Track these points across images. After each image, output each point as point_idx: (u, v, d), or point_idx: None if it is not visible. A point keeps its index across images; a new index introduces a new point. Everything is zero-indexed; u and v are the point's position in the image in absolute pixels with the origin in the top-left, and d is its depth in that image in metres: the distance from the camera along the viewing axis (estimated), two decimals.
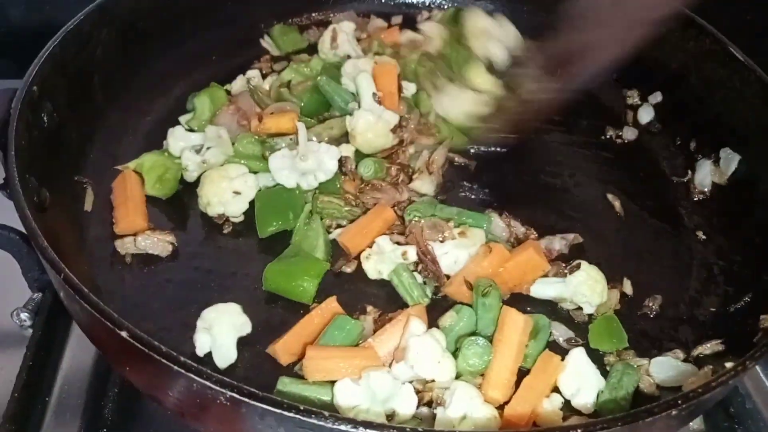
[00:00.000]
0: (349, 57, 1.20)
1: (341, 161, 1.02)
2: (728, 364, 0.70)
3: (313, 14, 1.35)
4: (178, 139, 1.03)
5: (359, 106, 1.07)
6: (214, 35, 1.24)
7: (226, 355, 0.82)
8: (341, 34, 1.22)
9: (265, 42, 1.28)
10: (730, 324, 0.87)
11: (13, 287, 1.01)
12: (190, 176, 1.02)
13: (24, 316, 0.99)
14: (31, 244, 0.98)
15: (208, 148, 1.02)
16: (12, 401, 0.86)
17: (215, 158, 1.02)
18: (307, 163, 0.98)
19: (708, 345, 0.84)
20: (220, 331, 0.82)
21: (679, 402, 0.59)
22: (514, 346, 0.79)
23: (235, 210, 0.97)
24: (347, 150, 1.05)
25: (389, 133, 1.07)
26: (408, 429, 0.53)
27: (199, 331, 0.82)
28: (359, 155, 1.06)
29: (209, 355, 0.82)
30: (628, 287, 0.94)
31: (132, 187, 0.98)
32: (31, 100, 0.87)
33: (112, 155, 1.04)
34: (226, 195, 0.96)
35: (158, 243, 0.93)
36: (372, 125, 1.04)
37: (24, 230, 0.91)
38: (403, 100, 1.13)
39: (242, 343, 0.84)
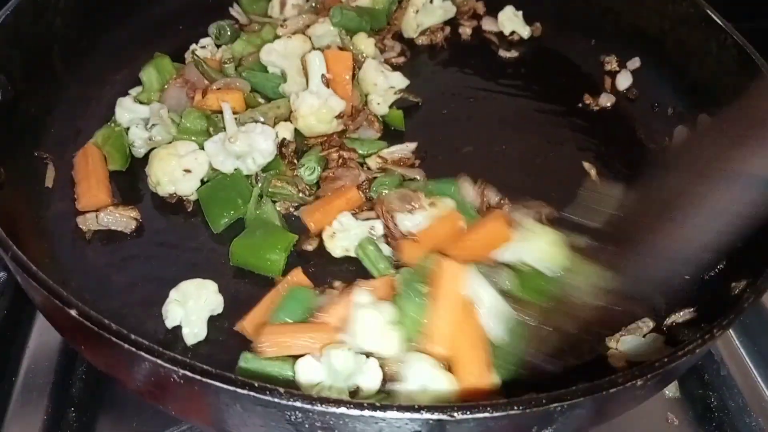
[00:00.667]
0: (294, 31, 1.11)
1: (282, 143, 0.97)
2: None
3: None
4: (124, 110, 1.00)
5: (307, 86, 1.00)
6: (176, 2, 1.21)
7: (196, 333, 0.80)
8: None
9: (234, 10, 1.24)
10: (704, 292, 0.86)
11: None
12: (138, 152, 0.99)
13: None
14: None
15: (153, 125, 0.98)
16: None
17: (161, 136, 0.97)
18: (237, 146, 0.92)
19: (680, 313, 0.83)
20: (195, 307, 0.80)
21: (645, 372, 0.58)
22: (450, 295, 0.75)
23: (187, 189, 0.93)
24: (285, 130, 0.99)
25: (333, 120, 1.00)
26: (365, 404, 0.52)
27: (171, 303, 0.80)
28: (300, 136, 1.01)
29: (177, 329, 0.81)
30: None
31: (94, 162, 0.95)
32: None
33: (75, 129, 1.01)
34: (176, 173, 0.92)
35: (121, 219, 0.90)
36: (315, 110, 0.98)
37: None
38: (356, 89, 1.06)
39: (210, 318, 0.82)
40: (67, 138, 1.00)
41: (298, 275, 0.84)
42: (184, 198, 0.94)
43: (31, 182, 0.92)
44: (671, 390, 0.98)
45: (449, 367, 0.73)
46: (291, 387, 0.56)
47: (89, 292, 0.83)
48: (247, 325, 0.79)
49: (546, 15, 1.29)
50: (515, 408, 0.54)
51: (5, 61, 0.89)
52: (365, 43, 1.14)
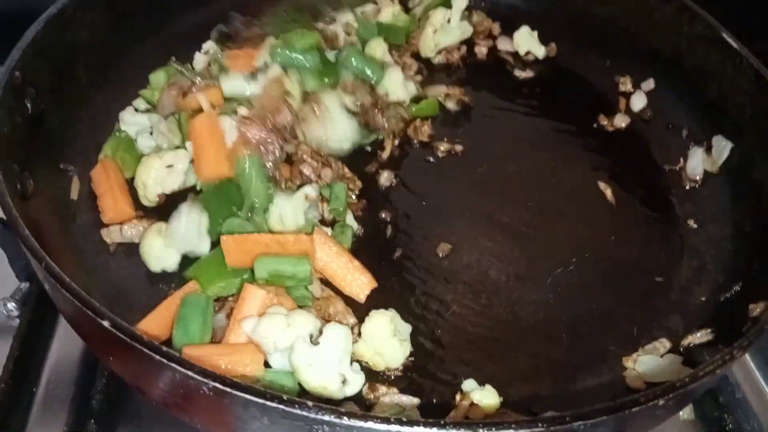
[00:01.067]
0: None
1: None
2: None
3: None
4: (128, 123, 1.02)
5: None
6: (201, 15, 1.23)
7: None
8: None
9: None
10: (721, 313, 0.87)
11: (0, 277, 1.01)
12: None
13: (11, 306, 0.99)
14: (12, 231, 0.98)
15: (151, 133, 1.01)
16: None
17: (166, 143, 0.99)
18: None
19: (698, 334, 0.83)
20: None
21: (666, 392, 0.58)
22: None
23: (172, 184, 0.95)
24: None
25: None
26: (392, 419, 0.53)
27: None
28: None
29: None
30: None
31: (114, 175, 0.96)
32: (14, 86, 0.86)
33: (97, 141, 1.02)
34: (161, 172, 0.94)
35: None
36: None
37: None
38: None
39: None
40: (90, 150, 1.01)
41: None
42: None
43: (58, 194, 0.93)
44: (685, 412, 0.98)
45: None
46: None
47: (112, 303, 0.84)
48: (142, 326, 0.79)
49: (561, 35, 1.31)
50: (539, 425, 0.55)
51: (34, 74, 0.91)
52: (379, 48, 1.15)
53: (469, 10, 1.30)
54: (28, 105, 0.89)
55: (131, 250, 0.92)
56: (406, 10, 1.29)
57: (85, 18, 1.02)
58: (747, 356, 1.03)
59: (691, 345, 0.84)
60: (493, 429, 0.54)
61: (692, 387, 0.60)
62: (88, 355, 0.94)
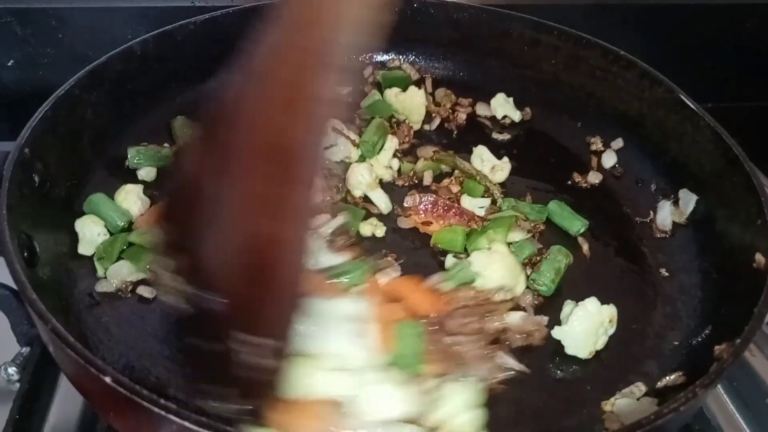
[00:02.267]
0: None
1: None
2: None
3: None
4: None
5: None
6: (198, 92, 1.31)
7: None
8: None
9: None
10: (692, 356, 0.91)
11: (1, 342, 1.04)
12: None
13: (12, 370, 1.01)
14: (20, 299, 1.02)
15: None
16: None
17: None
18: None
19: (671, 377, 0.87)
20: None
21: (632, 429, 0.62)
22: None
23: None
24: None
25: None
26: None
27: None
28: None
29: None
30: None
31: None
32: (23, 162, 0.92)
33: None
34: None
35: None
36: None
37: (14, 285, 0.96)
38: None
39: None
40: None
41: None
42: None
43: (60, 258, 0.98)
44: None
45: None
46: None
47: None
48: None
49: (535, 100, 1.40)
50: None
51: (42, 150, 0.97)
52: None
53: (434, 86, 1.41)
54: (36, 179, 0.95)
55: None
56: None
57: (90, 98, 1.10)
58: (725, 396, 1.07)
59: (665, 387, 0.87)
60: None
61: (658, 423, 0.64)
62: (86, 415, 0.96)
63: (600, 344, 0.94)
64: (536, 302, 1.01)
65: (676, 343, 0.96)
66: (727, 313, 0.90)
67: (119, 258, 1.01)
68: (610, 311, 0.95)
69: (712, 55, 1.78)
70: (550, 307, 1.01)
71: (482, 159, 1.26)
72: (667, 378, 0.88)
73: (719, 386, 1.07)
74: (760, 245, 0.90)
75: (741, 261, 0.93)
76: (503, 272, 0.99)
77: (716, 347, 0.83)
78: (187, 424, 0.59)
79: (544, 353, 0.95)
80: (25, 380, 0.98)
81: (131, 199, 1.08)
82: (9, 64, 1.52)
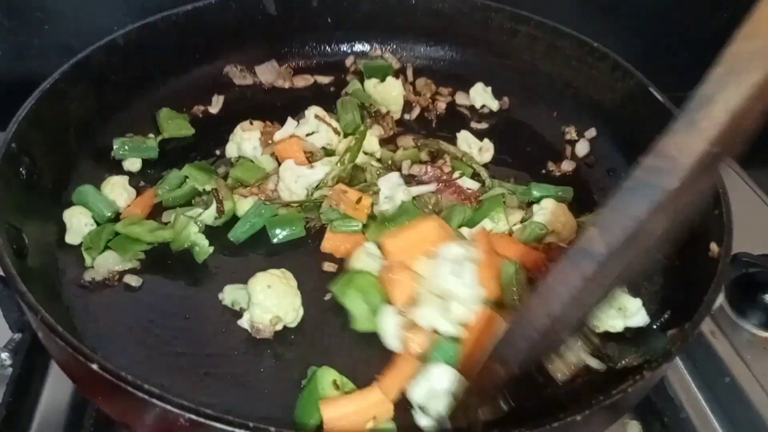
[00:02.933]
0: None
1: None
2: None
3: None
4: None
5: None
6: (182, 82, 1.34)
7: None
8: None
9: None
10: (651, 339, 0.96)
11: None
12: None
13: (4, 356, 1.05)
14: (10, 287, 1.06)
15: None
16: None
17: None
18: None
19: (628, 359, 0.92)
20: None
21: (582, 409, 0.67)
22: None
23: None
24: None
25: None
26: None
27: None
28: None
29: None
30: None
31: None
32: (10, 156, 0.95)
33: None
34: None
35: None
36: None
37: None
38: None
39: None
40: None
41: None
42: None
43: (48, 248, 1.02)
44: (634, 430, 1.07)
45: None
46: None
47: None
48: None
49: (513, 90, 1.43)
50: None
51: (29, 143, 1.00)
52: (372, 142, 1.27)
53: (415, 75, 1.45)
54: (23, 171, 0.99)
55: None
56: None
57: (75, 91, 1.13)
58: (689, 378, 1.13)
59: (624, 368, 0.92)
60: None
61: (607, 403, 0.69)
62: (76, 399, 1.01)
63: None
64: None
65: (638, 326, 1.00)
66: (684, 299, 0.94)
67: (106, 248, 1.05)
68: None
69: (690, 43, 1.82)
70: None
71: (468, 143, 1.30)
72: (626, 360, 0.92)
73: (682, 366, 1.13)
74: (715, 235, 0.95)
75: (698, 250, 0.98)
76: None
77: (669, 332, 0.88)
78: (168, 407, 0.63)
79: None
80: (17, 365, 1.02)
81: (117, 191, 1.12)
82: None
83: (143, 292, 1.01)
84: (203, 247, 1.05)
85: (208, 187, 1.12)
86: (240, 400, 0.87)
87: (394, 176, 1.15)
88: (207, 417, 0.62)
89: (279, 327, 0.95)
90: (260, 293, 0.93)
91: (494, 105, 1.43)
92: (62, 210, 1.07)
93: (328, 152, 1.23)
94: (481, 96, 1.43)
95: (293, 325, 0.97)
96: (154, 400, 0.64)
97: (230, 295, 1.00)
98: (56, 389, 1.03)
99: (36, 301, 0.76)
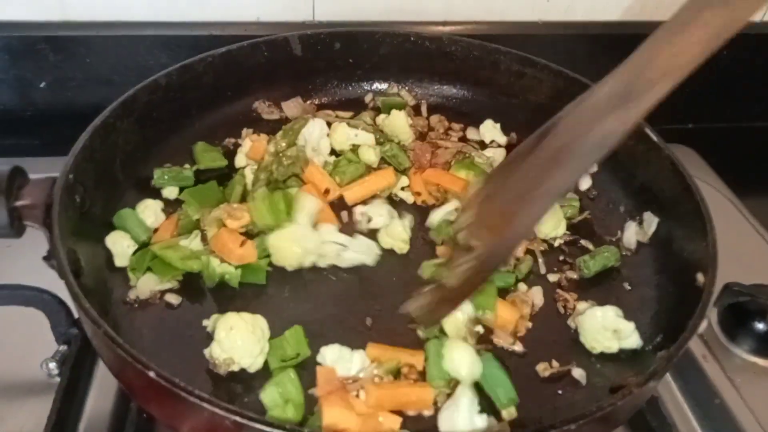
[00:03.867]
0: None
1: None
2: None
3: None
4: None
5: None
6: (215, 118, 1.46)
7: None
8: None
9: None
10: (643, 361, 1.05)
11: (41, 341, 1.18)
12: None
13: (52, 366, 1.15)
14: (60, 302, 1.17)
15: None
16: None
17: None
18: None
19: (623, 379, 1.01)
20: None
21: (576, 419, 0.77)
22: None
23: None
24: None
25: None
26: None
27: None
28: None
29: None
30: None
31: None
32: (68, 186, 1.04)
33: None
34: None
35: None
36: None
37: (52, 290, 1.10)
38: None
39: None
40: None
41: None
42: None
43: (99, 271, 1.12)
44: None
45: None
46: None
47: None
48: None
49: (520, 126, 1.53)
50: None
51: (83, 174, 1.11)
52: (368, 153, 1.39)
53: (428, 113, 1.57)
54: (78, 200, 1.09)
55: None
56: None
57: (122, 126, 1.24)
58: (681, 398, 1.21)
59: (619, 386, 1.00)
60: None
61: (599, 414, 0.78)
62: (119, 407, 1.10)
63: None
64: None
65: (632, 348, 1.09)
66: (675, 324, 1.03)
67: (148, 269, 1.15)
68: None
69: (692, 79, 1.92)
70: None
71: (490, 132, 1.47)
72: (621, 378, 1.01)
73: (675, 387, 1.22)
74: (702, 266, 1.04)
75: (689, 278, 1.07)
76: None
77: (658, 353, 0.97)
78: (216, 410, 0.73)
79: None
80: (65, 375, 1.12)
81: (148, 213, 1.22)
82: (41, 86, 1.67)
83: (182, 309, 1.11)
84: (233, 275, 1.14)
85: (195, 217, 1.22)
86: None
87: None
88: (250, 419, 0.72)
89: (235, 368, 1.00)
90: (222, 332, 0.99)
91: (502, 140, 1.53)
92: (108, 234, 1.18)
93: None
94: (490, 132, 1.53)
95: (251, 370, 1.01)
96: (204, 404, 0.73)
97: (213, 323, 1.06)
98: (100, 398, 1.12)
99: (98, 317, 0.86)
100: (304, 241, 1.15)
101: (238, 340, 0.98)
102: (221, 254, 1.13)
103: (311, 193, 1.26)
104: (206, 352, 1.01)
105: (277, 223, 1.17)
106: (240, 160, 1.37)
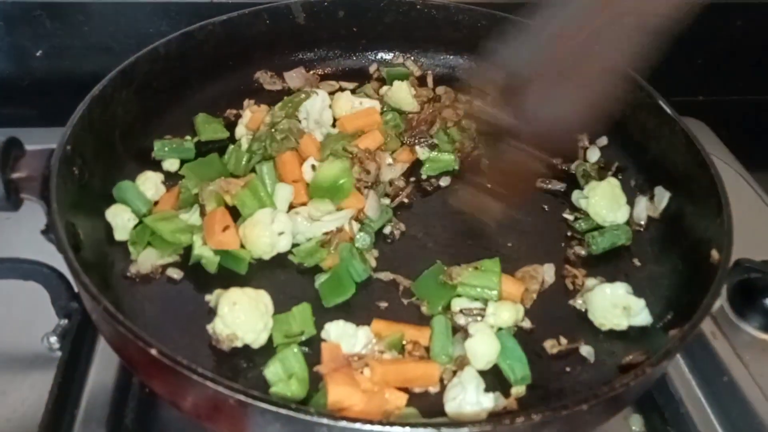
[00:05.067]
0: None
1: None
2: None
3: None
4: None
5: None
6: (216, 89, 1.42)
7: None
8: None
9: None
10: (654, 338, 1.03)
11: (42, 314, 1.17)
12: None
13: (53, 340, 1.15)
14: (60, 276, 1.15)
15: None
16: (46, 413, 1.01)
17: None
18: None
19: (632, 356, 1.00)
20: None
21: (588, 399, 0.75)
22: None
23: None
24: None
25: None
26: (384, 422, 0.69)
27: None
28: None
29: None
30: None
31: None
32: (66, 157, 1.02)
33: None
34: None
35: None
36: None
37: (52, 264, 1.09)
38: None
39: None
40: None
41: None
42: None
43: (99, 245, 1.10)
44: (637, 425, 1.15)
45: None
46: None
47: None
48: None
49: None
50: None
51: (81, 146, 1.08)
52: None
53: (434, 84, 1.53)
54: (76, 172, 1.06)
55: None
56: None
57: (120, 96, 1.21)
58: (690, 376, 1.20)
59: (628, 364, 1.00)
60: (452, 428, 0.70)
61: (612, 394, 0.77)
62: (120, 380, 1.10)
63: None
64: None
65: (641, 326, 1.07)
66: (687, 301, 1.01)
67: (149, 244, 1.13)
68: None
69: (704, 50, 1.88)
70: None
71: None
72: (630, 357, 1.00)
73: (683, 364, 1.20)
74: (716, 242, 1.02)
75: (701, 255, 1.05)
76: None
77: (670, 331, 0.95)
78: (220, 389, 0.72)
79: None
80: (66, 349, 1.11)
81: (148, 185, 1.19)
82: (38, 54, 1.64)
83: (184, 284, 1.09)
84: (210, 260, 1.10)
85: (194, 191, 1.18)
86: None
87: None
88: (254, 398, 0.71)
89: (238, 344, 0.98)
90: (225, 307, 0.96)
91: None
92: (110, 205, 1.16)
93: None
94: None
95: (254, 346, 0.99)
96: (207, 382, 0.72)
97: (215, 298, 1.03)
98: (101, 372, 1.11)
99: (98, 293, 0.84)
100: (272, 226, 1.10)
101: (241, 315, 0.96)
102: (205, 236, 1.10)
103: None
104: (209, 327, 1.00)
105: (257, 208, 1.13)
106: (240, 131, 1.34)
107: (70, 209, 1.01)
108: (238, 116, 1.41)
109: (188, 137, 1.32)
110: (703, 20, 1.81)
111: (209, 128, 1.33)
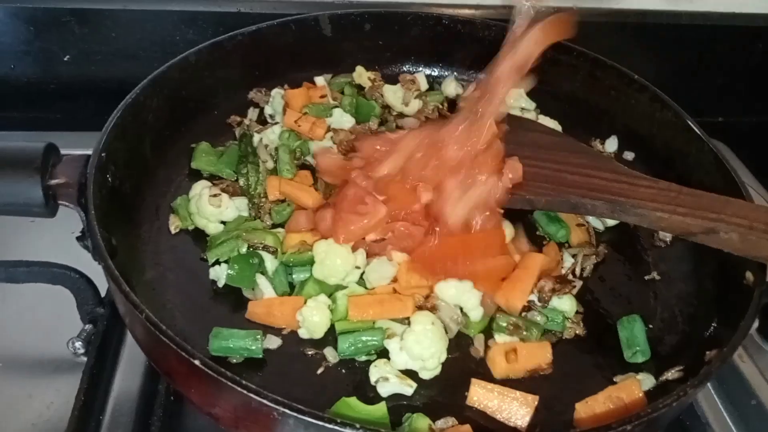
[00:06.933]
0: None
1: None
2: None
3: None
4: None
5: None
6: (242, 97, 1.43)
7: None
8: None
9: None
10: (685, 359, 1.03)
11: (67, 319, 1.17)
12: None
13: (78, 344, 1.15)
14: (88, 281, 1.15)
15: None
16: (72, 419, 1.01)
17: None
18: None
19: (670, 372, 0.99)
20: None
21: (632, 420, 0.75)
22: None
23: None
24: None
25: None
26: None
27: None
28: None
29: None
30: None
31: None
32: (101, 165, 1.02)
33: (156, 205, 1.20)
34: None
35: None
36: None
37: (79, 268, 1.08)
38: None
39: None
40: (154, 211, 1.19)
41: None
42: None
43: (130, 251, 1.10)
44: None
45: None
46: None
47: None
48: None
49: (554, 114, 1.48)
50: None
51: (114, 153, 1.08)
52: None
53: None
54: (109, 179, 1.06)
55: None
56: None
57: (151, 104, 1.21)
58: (717, 399, 1.19)
59: (666, 381, 0.99)
60: None
61: (654, 416, 0.76)
62: (146, 386, 1.10)
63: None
64: None
65: (672, 345, 1.07)
66: (719, 322, 1.01)
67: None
68: None
69: (724, 72, 1.89)
70: None
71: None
72: (667, 373, 0.99)
73: (711, 387, 1.20)
74: (751, 264, 1.01)
75: (733, 276, 1.04)
76: None
77: (707, 352, 0.95)
78: (265, 402, 0.71)
79: None
80: (92, 355, 1.11)
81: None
82: (65, 59, 1.64)
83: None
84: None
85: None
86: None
87: None
88: (299, 412, 0.70)
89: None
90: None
91: (531, 106, 1.48)
92: (138, 213, 1.16)
93: None
94: (516, 101, 1.48)
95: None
96: (252, 395, 0.72)
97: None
98: (127, 378, 1.11)
99: (140, 302, 0.84)
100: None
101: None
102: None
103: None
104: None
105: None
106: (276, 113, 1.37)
107: (106, 217, 1.01)
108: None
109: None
110: (724, 42, 1.84)
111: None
